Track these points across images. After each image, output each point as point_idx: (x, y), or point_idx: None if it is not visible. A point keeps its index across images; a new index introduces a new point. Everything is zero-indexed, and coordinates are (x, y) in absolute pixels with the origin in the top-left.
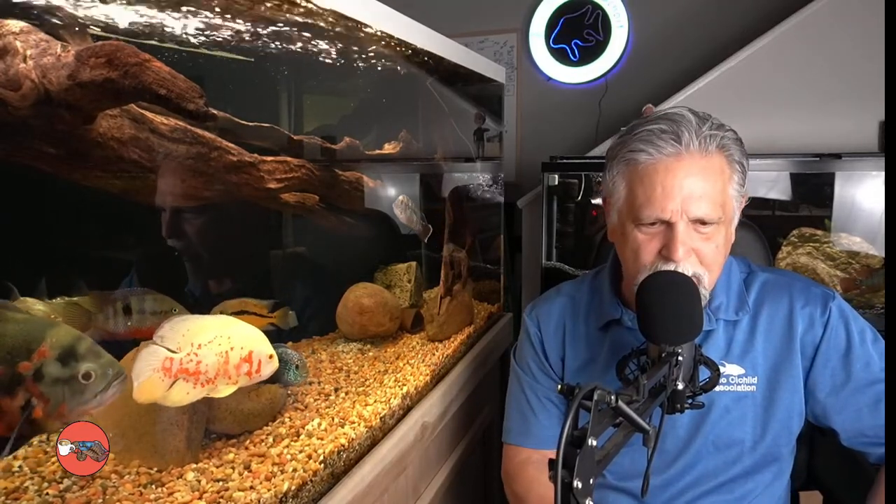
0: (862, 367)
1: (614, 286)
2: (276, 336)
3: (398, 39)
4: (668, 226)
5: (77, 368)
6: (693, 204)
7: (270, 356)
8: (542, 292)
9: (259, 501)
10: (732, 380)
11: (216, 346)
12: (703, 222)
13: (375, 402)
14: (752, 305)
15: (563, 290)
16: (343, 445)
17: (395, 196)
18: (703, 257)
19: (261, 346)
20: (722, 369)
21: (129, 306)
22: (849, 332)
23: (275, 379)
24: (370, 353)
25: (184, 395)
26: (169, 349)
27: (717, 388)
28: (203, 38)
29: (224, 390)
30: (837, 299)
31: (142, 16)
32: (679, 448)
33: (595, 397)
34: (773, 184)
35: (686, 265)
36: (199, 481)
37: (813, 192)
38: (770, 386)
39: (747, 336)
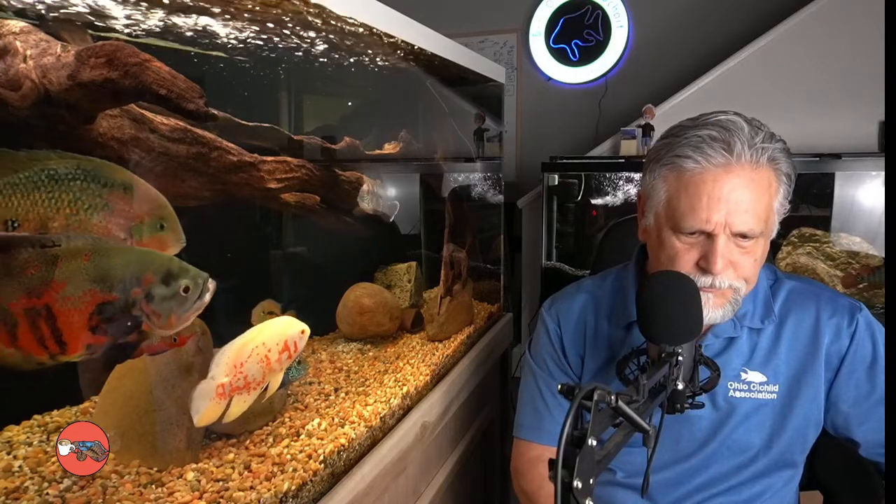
0: None
1: (639, 286)
2: None
3: (398, 39)
4: (709, 237)
5: (178, 285)
6: (738, 218)
7: (302, 331)
8: (542, 292)
9: (259, 501)
10: (754, 387)
11: (256, 357)
12: (744, 236)
13: (375, 401)
14: (778, 314)
15: (585, 287)
16: (343, 445)
17: (392, 196)
18: (740, 270)
19: (291, 330)
20: (744, 376)
21: None
22: (875, 344)
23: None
24: (370, 353)
25: (242, 405)
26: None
27: (739, 395)
28: (203, 39)
29: (274, 383)
30: (864, 311)
31: (143, 15)
32: (693, 449)
33: (595, 397)
34: None
35: (723, 278)
36: (199, 481)
37: (813, 192)
38: (790, 394)
39: (771, 344)
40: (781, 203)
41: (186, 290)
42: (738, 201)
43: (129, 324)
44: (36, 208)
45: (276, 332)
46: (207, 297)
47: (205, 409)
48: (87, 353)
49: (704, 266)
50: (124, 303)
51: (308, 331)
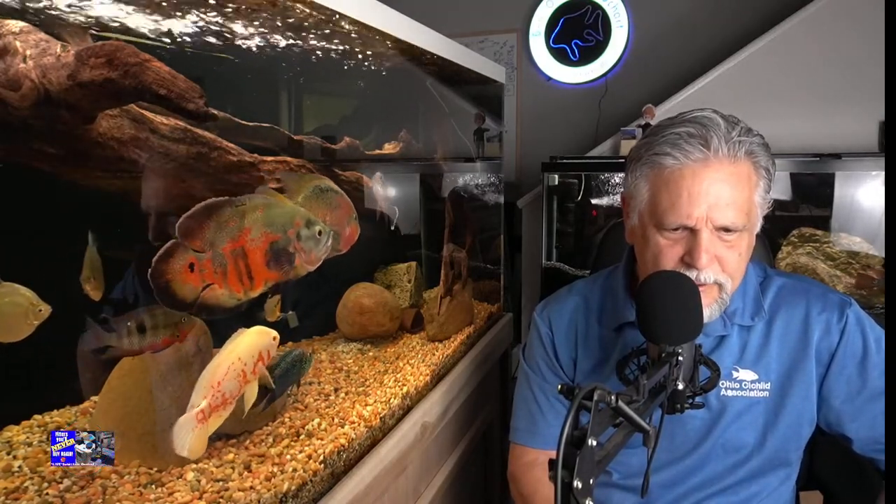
0: (878, 375)
1: (629, 287)
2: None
3: (399, 39)
4: (692, 232)
5: (315, 230)
6: (719, 211)
7: (274, 338)
8: (542, 292)
9: (259, 501)
10: (745, 385)
11: (233, 373)
12: (727, 230)
13: (375, 402)
14: (768, 310)
15: (576, 290)
16: (343, 445)
17: (393, 196)
18: (725, 265)
19: (264, 340)
20: (735, 374)
21: (143, 324)
22: (865, 339)
23: (295, 378)
24: (370, 353)
25: (219, 420)
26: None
27: (731, 393)
28: (204, 38)
29: (250, 393)
30: (854, 306)
31: (145, 16)
32: (688, 448)
33: (595, 397)
34: (774, 184)
35: (708, 273)
36: (199, 481)
37: (813, 192)
38: (782, 391)
39: (762, 341)
40: (762, 196)
41: (320, 233)
42: (719, 195)
43: (288, 258)
44: (315, 210)
45: (251, 346)
46: (331, 243)
47: (190, 439)
48: (265, 288)
49: (689, 261)
50: (284, 241)
51: (278, 336)
